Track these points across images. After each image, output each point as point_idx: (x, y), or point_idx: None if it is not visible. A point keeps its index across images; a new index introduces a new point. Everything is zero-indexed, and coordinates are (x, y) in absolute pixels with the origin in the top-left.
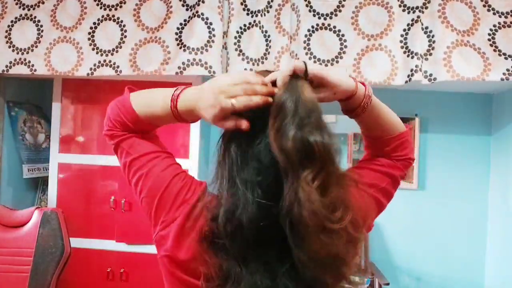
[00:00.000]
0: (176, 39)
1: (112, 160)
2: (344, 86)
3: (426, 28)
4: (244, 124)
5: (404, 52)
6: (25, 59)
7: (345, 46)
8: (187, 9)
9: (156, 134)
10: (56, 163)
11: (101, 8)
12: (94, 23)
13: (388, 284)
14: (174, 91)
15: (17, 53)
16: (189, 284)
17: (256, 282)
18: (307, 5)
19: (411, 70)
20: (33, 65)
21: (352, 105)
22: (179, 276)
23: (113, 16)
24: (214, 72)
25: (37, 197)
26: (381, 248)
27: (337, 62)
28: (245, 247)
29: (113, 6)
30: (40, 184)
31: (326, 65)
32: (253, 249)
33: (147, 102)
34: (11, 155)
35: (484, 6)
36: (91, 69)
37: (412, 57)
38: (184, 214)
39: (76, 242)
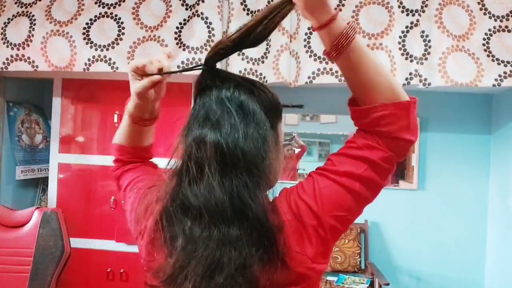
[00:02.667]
0: (176, 38)
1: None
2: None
3: (423, 32)
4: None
5: (402, 54)
6: (23, 55)
7: None
8: (186, 9)
9: (143, 166)
10: (56, 163)
11: (99, 6)
12: (91, 19)
13: (388, 284)
14: None
15: (12, 49)
16: None
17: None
18: None
19: (410, 74)
20: (33, 61)
21: (325, 40)
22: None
23: (111, 13)
24: None
25: (37, 197)
26: (381, 248)
27: None
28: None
29: (112, 4)
30: (40, 184)
31: (327, 63)
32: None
33: (120, 129)
34: (10, 156)
35: (480, 9)
36: (86, 64)
37: (411, 61)
38: (153, 230)
39: (76, 242)
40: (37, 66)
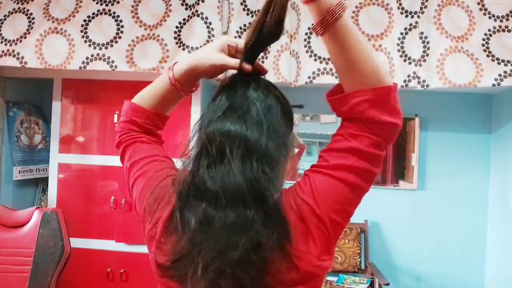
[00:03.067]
0: (175, 38)
1: (112, 160)
2: None
3: (422, 33)
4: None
5: (401, 56)
6: (13, 51)
7: None
8: (186, 8)
9: (159, 140)
10: (56, 163)
11: (97, 3)
12: (89, 17)
13: (388, 284)
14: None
15: (5, 44)
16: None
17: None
18: None
19: (408, 76)
20: (22, 57)
21: (314, 14)
22: (160, 279)
23: (110, 11)
24: None
25: (37, 197)
26: (381, 248)
27: None
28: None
29: (110, 1)
30: (40, 184)
31: (327, 63)
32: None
33: (148, 90)
34: (9, 156)
35: (480, 10)
36: (83, 62)
37: (410, 63)
38: (168, 212)
39: (76, 242)
40: (25, 63)
